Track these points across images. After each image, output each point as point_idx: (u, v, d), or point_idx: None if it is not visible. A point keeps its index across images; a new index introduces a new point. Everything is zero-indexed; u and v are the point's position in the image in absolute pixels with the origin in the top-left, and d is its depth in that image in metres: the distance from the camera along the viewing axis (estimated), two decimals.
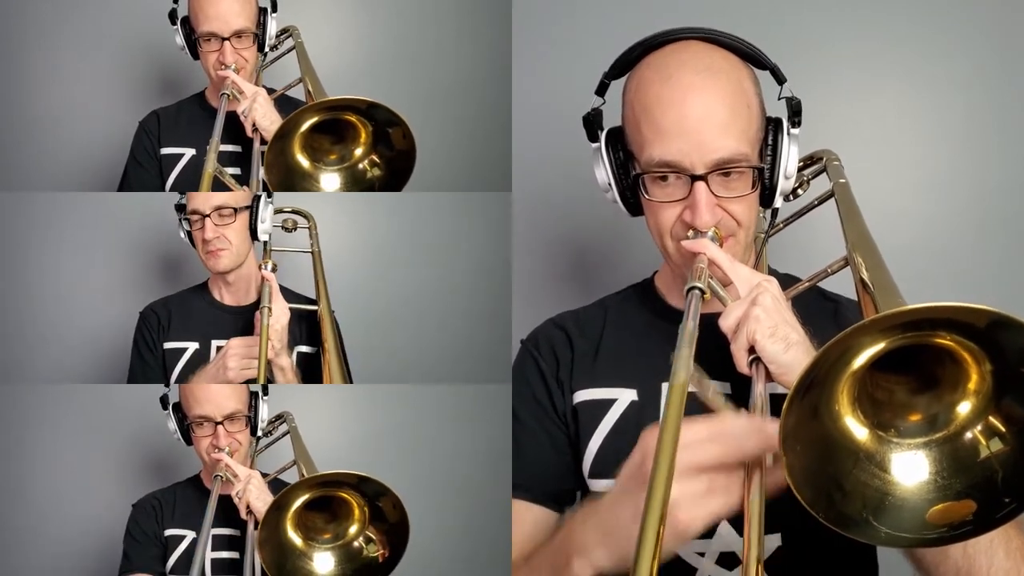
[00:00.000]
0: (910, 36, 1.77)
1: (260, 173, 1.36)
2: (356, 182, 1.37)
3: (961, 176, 1.76)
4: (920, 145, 1.77)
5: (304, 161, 1.35)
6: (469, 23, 1.85)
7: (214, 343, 1.47)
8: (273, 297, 1.38)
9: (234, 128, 1.40)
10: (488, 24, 1.82)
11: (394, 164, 1.35)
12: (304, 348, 1.49)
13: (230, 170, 1.41)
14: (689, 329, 0.90)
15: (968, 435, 0.81)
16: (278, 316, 1.37)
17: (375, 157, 1.36)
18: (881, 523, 0.80)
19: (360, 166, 1.37)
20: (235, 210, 1.42)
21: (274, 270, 1.42)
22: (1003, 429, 0.79)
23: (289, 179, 1.34)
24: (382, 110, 1.29)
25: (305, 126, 1.31)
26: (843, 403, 0.82)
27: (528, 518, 1.21)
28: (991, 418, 0.80)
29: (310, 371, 1.48)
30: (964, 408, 0.82)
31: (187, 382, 1.45)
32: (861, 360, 0.79)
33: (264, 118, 1.37)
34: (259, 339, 1.33)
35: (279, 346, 1.37)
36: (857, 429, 0.83)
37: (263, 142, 1.36)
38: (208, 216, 1.41)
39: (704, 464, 0.81)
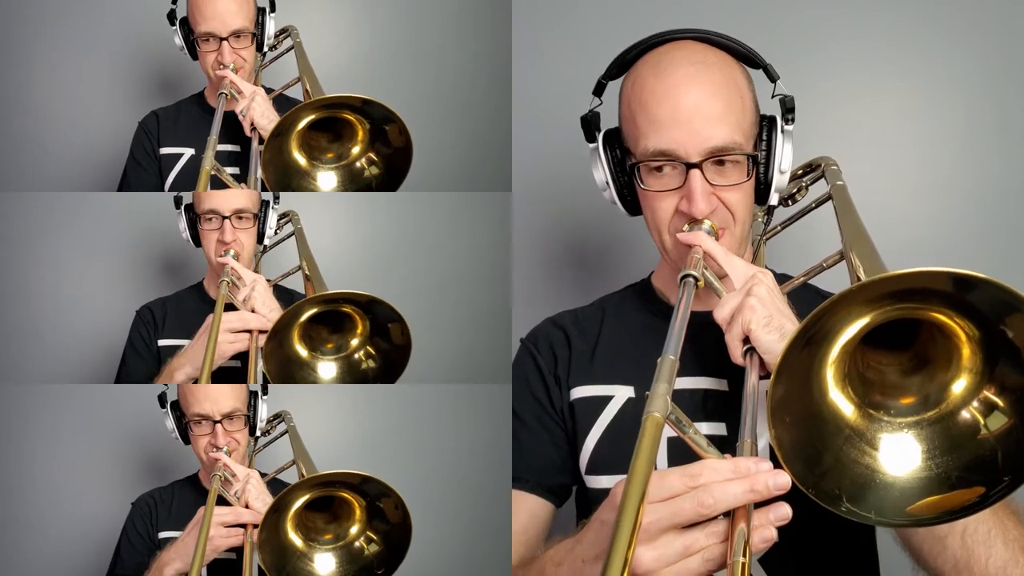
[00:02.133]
0: (910, 36, 1.77)
1: (258, 172, 1.36)
2: (353, 180, 1.37)
3: (961, 177, 1.76)
4: (920, 146, 1.77)
5: (301, 159, 1.35)
6: (469, 23, 1.85)
7: None
8: (237, 272, 1.35)
9: (233, 127, 1.40)
10: (488, 24, 1.82)
11: (391, 162, 1.35)
12: None
13: (229, 169, 1.41)
14: (670, 360, 0.81)
15: (965, 414, 0.81)
16: (252, 285, 1.34)
17: (372, 155, 1.36)
18: (871, 502, 0.80)
19: (357, 164, 1.37)
20: (254, 216, 1.42)
21: (236, 257, 1.40)
22: (1000, 403, 0.79)
23: (286, 177, 1.34)
24: (377, 107, 1.30)
25: (302, 124, 1.32)
26: (833, 379, 0.81)
27: (524, 507, 1.22)
28: (986, 392, 0.80)
29: None
30: (958, 387, 0.81)
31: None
32: (849, 334, 0.79)
33: (262, 117, 1.37)
34: (213, 320, 1.28)
35: (268, 310, 1.34)
36: (845, 406, 0.82)
37: (261, 141, 1.36)
38: (227, 218, 1.40)
39: (680, 522, 0.76)
